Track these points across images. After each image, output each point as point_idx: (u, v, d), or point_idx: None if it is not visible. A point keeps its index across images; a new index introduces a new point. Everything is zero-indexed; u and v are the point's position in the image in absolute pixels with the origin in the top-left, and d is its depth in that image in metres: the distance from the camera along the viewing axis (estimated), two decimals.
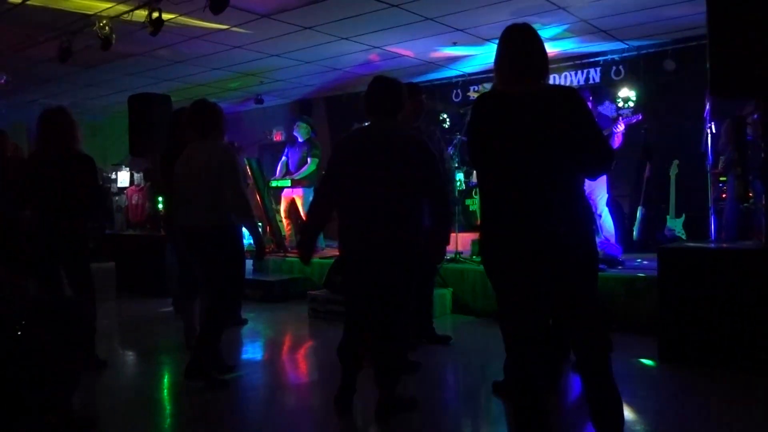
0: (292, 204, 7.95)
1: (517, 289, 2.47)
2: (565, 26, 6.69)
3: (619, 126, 5.61)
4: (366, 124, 3.54)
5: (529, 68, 2.49)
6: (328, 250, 7.70)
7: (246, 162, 7.87)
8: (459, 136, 6.97)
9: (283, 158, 8.10)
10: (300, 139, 7.93)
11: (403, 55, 7.95)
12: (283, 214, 8.09)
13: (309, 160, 7.70)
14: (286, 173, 7.99)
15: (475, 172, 6.86)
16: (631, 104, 7.20)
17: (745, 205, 4.49)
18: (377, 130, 3.24)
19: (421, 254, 3.25)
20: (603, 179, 5.45)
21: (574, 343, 2.50)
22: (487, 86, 6.37)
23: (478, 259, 6.06)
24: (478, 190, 5.75)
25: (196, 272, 4.32)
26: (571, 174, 2.46)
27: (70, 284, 4.16)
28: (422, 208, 3.21)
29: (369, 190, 3.12)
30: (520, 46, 2.52)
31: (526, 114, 2.42)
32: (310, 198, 7.72)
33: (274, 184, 7.97)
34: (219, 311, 3.83)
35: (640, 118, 6.02)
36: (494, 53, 2.62)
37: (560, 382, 3.54)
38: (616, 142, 5.64)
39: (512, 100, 2.47)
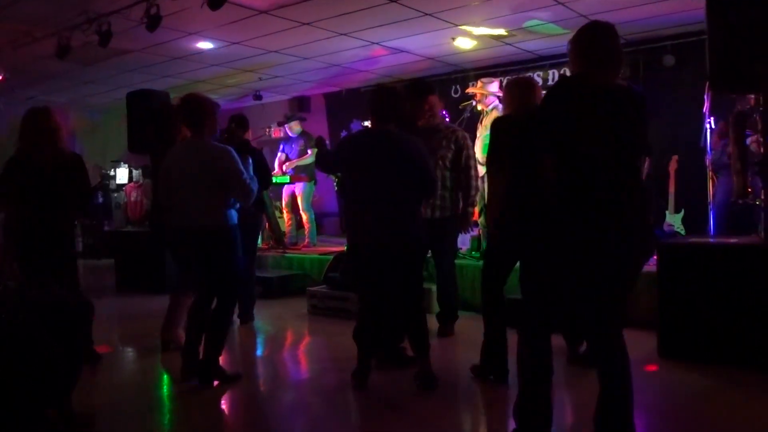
0: (293, 198, 7.99)
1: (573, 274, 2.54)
2: (564, 21, 6.68)
3: None
4: (366, 125, 3.85)
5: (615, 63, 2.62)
6: (324, 246, 7.73)
7: None
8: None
9: (280, 154, 8.15)
10: (293, 134, 8.00)
11: (402, 51, 7.94)
12: (284, 208, 8.13)
13: (309, 151, 7.77)
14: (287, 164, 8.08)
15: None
16: None
17: (744, 200, 4.48)
18: (381, 133, 3.65)
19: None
20: None
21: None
22: (485, 80, 6.34)
23: (477, 254, 6.07)
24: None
25: (183, 271, 4.33)
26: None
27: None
28: (418, 197, 3.71)
29: (379, 185, 3.54)
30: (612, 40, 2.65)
31: (614, 107, 2.53)
32: (311, 192, 7.89)
33: (273, 180, 7.98)
34: (224, 312, 3.84)
35: None
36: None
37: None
38: None
39: (602, 93, 2.54)
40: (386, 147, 3.58)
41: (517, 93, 3.71)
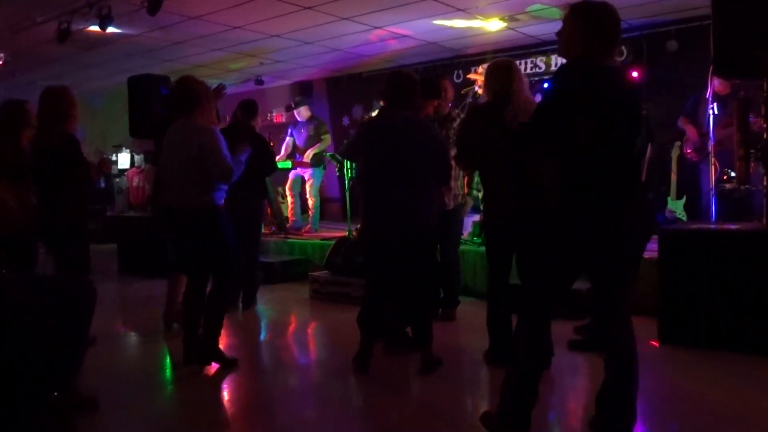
0: (301, 182, 8.01)
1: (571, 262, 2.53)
2: (567, 6, 6.63)
3: None
4: (379, 111, 3.99)
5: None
6: (325, 231, 7.73)
7: None
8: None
9: (288, 138, 8.15)
10: (302, 119, 7.98)
11: (405, 36, 7.89)
12: (288, 191, 8.12)
13: (322, 138, 7.85)
14: (294, 151, 8.09)
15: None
16: None
17: (746, 186, 4.47)
18: (399, 119, 3.60)
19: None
20: None
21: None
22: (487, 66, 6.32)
23: (479, 240, 6.07)
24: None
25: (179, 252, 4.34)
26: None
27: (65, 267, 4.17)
28: (434, 182, 3.69)
29: (394, 171, 3.53)
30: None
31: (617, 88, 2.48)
32: (320, 177, 7.95)
33: (277, 166, 7.98)
34: (220, 293, 3.88)
35: None
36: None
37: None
38: None
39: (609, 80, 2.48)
40: (404, 133, 3.55)
41: (493, 76, 3.66)
